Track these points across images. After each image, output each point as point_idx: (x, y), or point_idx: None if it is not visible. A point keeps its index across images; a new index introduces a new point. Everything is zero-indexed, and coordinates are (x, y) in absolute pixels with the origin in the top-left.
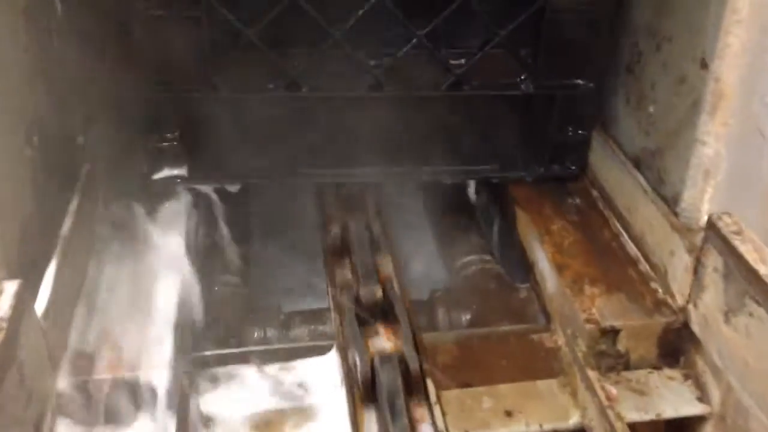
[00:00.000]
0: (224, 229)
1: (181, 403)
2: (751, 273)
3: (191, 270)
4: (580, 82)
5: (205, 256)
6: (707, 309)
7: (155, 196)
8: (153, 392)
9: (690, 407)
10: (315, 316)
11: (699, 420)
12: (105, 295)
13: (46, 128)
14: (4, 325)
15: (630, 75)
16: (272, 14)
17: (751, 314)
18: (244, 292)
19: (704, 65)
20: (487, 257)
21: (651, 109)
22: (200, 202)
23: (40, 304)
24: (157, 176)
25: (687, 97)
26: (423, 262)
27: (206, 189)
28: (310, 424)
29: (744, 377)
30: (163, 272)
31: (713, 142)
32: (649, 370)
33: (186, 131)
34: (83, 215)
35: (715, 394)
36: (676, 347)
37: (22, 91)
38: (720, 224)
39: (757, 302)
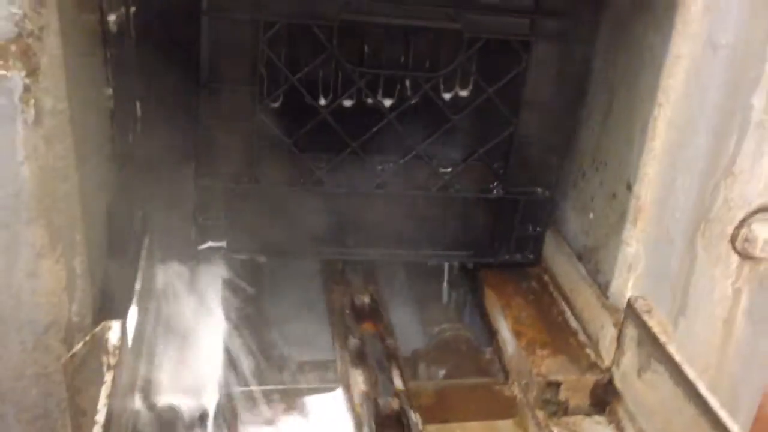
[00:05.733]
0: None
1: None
2: (655, 340)
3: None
4: (539, 190)
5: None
6: (626, 368)
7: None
8: (204, 416)
9: None
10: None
11: None
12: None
13: (117, 212)
14: (119, 344)
15: (576, 188)
16: (306, 128)
17: (654, 371)
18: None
19: (629, 187)
20: (459, 325)
21: (591, 216)
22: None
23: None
24: (202, 247)
25: (616, 210)
26: (407, 326)
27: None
28: None
29: (650, 420)
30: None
31: (635, 244)
32: (582, 416)
33: (229, 213)
34: (148, 275)
35: None
36: (603, 398)
37: (101, 192)
38: (636, 305)
39: (659, 362)
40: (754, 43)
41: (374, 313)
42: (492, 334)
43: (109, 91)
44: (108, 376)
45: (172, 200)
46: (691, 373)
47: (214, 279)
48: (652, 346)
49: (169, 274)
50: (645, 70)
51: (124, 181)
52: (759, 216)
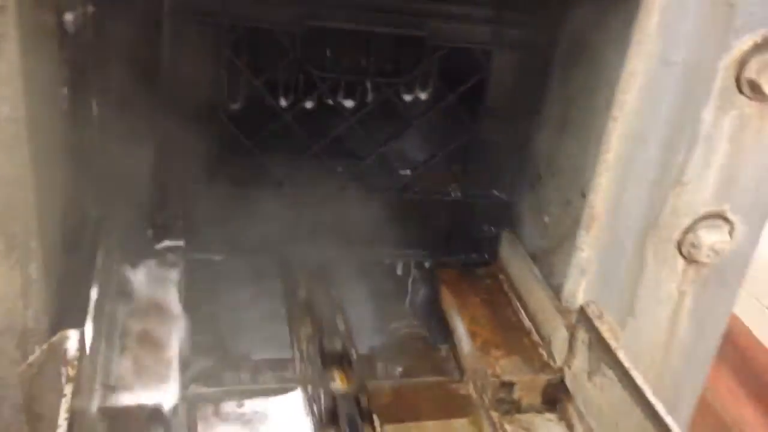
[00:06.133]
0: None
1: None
2: (605, 346)
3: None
4: (495, 193)
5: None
6: (577, 370)
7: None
8: (163, 419)
9: None
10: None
11: None
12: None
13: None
14: (78, 355)
15: (532, 191)
16: (267, 130)
17: (604, 375)
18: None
19: (583, 195)
20: (415, 322)
21: (546, 219)
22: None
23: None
24: (159, 246)
25: (571, 216)
26: (364, 324)
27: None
28: None
29: (599, 419)
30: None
31: (588, 249)
32: (534, 413)
33: (187, 212)
34: (105, 276)
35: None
36: (554, 397)
37: (57, 193)
38: (587, 310)
39: (609, 366)
40: (705, 60)
41: (321, 275)
42: (448, 332)
43: (66, 91)
44: (68, 389)
45: (130, 199)
46: (639, 379)
47: (171, 278)
48: (603, 351)
49: (126, 275)
50: (601, 84)
51: (80, 181)
52: (704, 223)
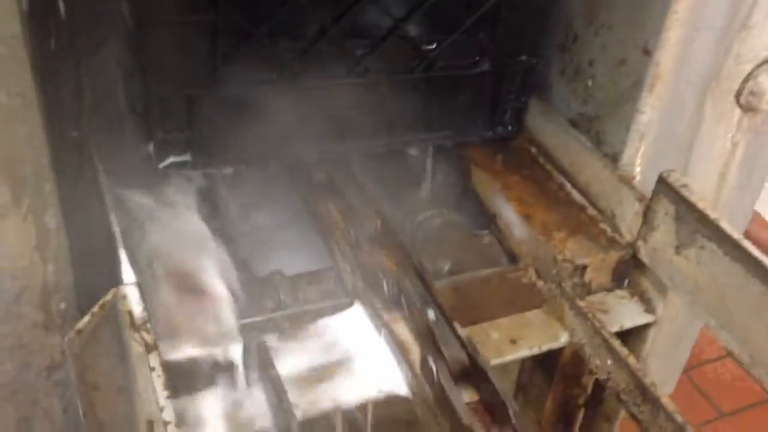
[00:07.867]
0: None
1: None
2: (701, 217)
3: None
4: (524, 58)
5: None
6: (658, 244)
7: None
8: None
9: (641, 318)
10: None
11: (644, 327)
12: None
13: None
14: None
15: (565, 52)
16: (276, 14)
17: (702, 247)
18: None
19: (647, 53)
20: (445, 210)
21: (589, 82)
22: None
23: None
24: (163, 164)
25: (628, 76)
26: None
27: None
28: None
29: (696, 293)
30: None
31: (649, 111)
32: (604, 292)
33: (190, 124)
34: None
35: (659, 306)
36: (623, 274)
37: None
38: (670, 179)
39: (707, 238)
40: None
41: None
42: (488, 216)
43: None
44: (153, 360)
45: (119, 115)
46: (754, 251)
47: (185, 200)
48: (699, 222)
49: (135, 204)
50: None
51: (54, 98)
52: (764, 68)
